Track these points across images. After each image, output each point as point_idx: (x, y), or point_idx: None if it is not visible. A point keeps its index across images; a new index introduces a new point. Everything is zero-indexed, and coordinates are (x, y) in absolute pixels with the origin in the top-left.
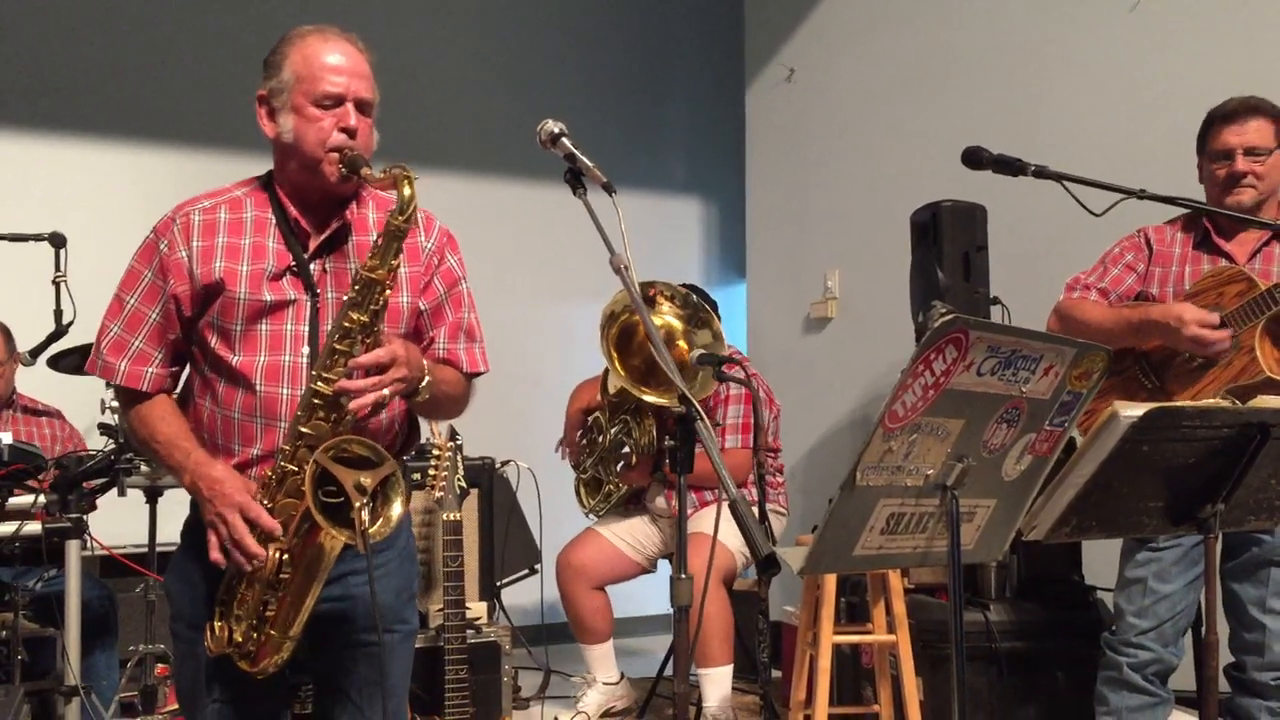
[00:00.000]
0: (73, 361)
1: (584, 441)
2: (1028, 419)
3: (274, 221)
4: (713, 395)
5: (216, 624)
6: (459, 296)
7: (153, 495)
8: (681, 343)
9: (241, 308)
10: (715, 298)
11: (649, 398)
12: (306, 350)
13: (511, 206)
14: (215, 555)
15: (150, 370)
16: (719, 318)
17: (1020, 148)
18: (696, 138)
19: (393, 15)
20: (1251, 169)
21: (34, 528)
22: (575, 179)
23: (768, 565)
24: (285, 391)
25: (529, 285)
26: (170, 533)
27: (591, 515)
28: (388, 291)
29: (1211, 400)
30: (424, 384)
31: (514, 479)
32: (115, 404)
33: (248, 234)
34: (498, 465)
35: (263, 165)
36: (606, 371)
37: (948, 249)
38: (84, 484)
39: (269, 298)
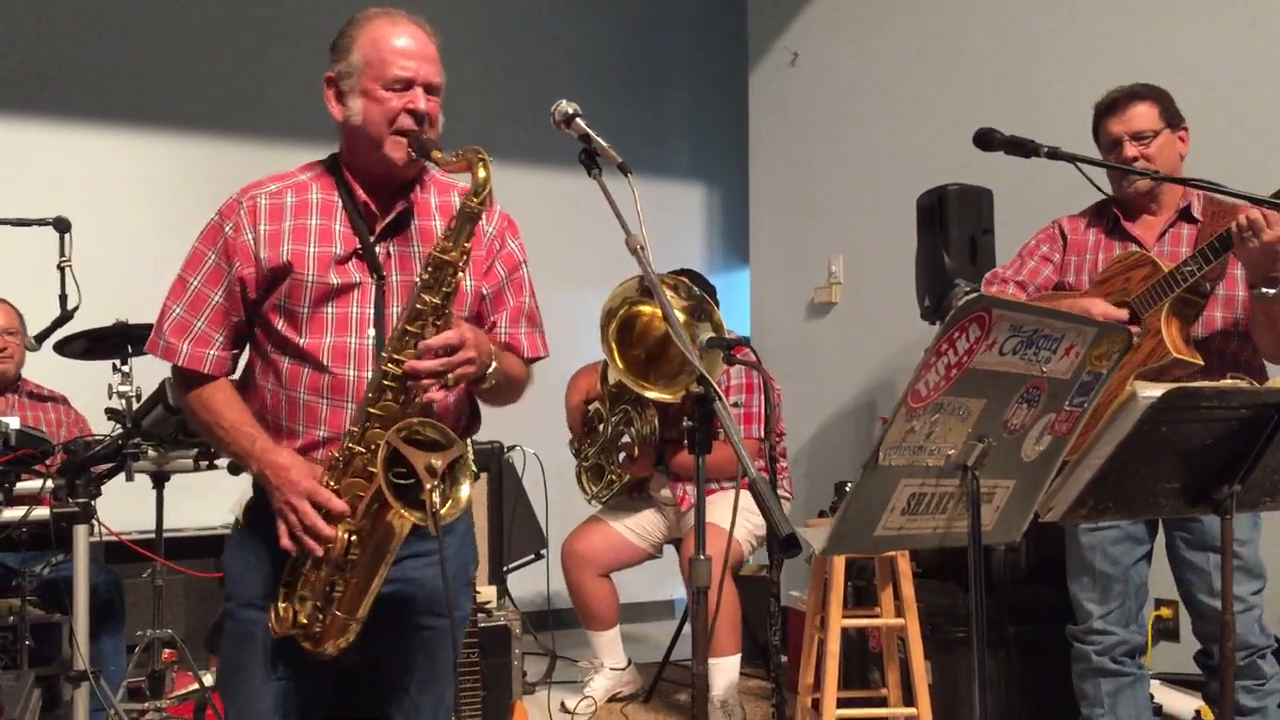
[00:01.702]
0: (79, 346)
1: (585, 431)
2: (1048, 399)
3: (340, 204)
4: (717, 384)
5: (281, 605)
6: (520, 281)
7: (159, 480)
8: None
9: (309, 290)
10: (718, 283)
11: (650, 393)
12: (372, 333)
13: (518, 192)
14: (286, 543)
15: (212, 353)
16: (718, 304)
17: (1026, 131)
18: (700, 123)
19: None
20: (1140, 153)
21: (41, 513)
22: (590, 160)
23: (788, 545)
24: (352, 373)
25: (538, 271)
26: (177, 518)
27: (594, 502)
28: (460, 274)
29: (1231, 381)
30: (492, 369)
31: (520, 465)
32: (124, 389)
33: (314, 216)
34: (505, 450)
35: (268, 151)
36: (605, 361)
37: (954, 233)
38: (91, 469)
39: (336, 281)
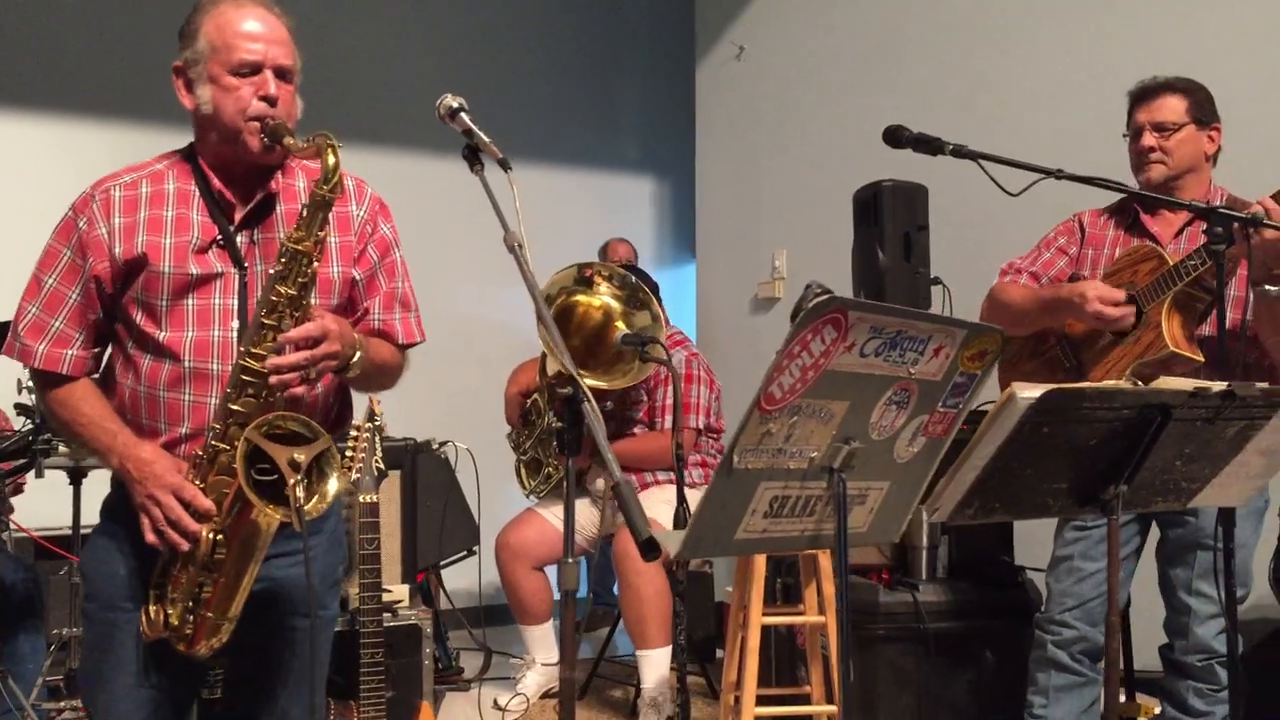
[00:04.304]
0: None
1: (523, 424)
2: (919, 401)
3: (197, 194)
4: (653, 376)
5: (152, 608)
6: (393, 265)
7: (76, 476)
8: (620, 323)
9: (167, 282)
10: (667, 276)
11: (590, 383)
12: (236, 324)
13: (461, 185)
14: (151, 538)
15: (70, 353)
16: (659, 300)
17: (968, 127)
18: (649, 115)
19: None
20: (1158, 144)
21: None
22: (473, 155)
23: (648, 549)
24: (215, 367)
25: (476, 265)
26: (95, 515)
27: (532, 497)
28: (315, 264)
29: (1112, 381)
30: (356, 359)
31: (453, 459)
32: (31, 384)
33: (170, 206)
34: (436, 445)
35: (176, 137)
36: (544, 354)
37: (889, 228)
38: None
39: (195, 271)
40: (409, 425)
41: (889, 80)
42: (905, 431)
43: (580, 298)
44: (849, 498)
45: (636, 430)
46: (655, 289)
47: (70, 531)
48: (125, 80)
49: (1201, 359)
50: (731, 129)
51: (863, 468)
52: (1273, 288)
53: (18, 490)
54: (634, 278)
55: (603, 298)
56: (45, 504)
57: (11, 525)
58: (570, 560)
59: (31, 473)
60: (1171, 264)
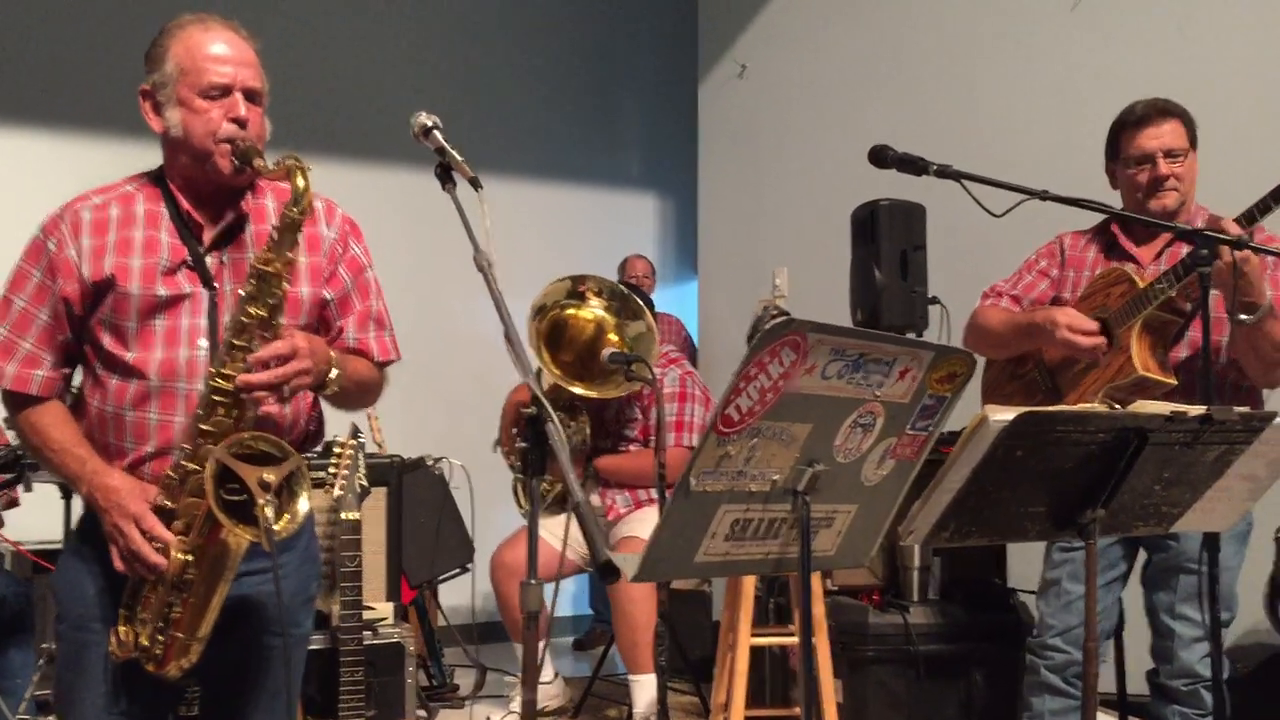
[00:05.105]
0: None
1: (518, 438)
2: (886, 423)
3: (166, 215)
4: (648, 393)
5: (122, 628)
6: (365, 284)
7: (67, 491)
8: (613, 335)
9: (135, 303)
10: (669, 294)
11: (579, 390)
12: (204, 343)
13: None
14: (119, 565)
15: (40, 373)
16: (654, 314)
17: (967, 146)
18: (652, 134)
19: (346, 12)
20: (1173, 171)
21: None
22: (445, 173)
23: (606, 572)
24: (182, 385)
25: (474, 282)
26: None
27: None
28: (285, 285)
29: (1090, 405)
30: (332, 376)
31: (449, 476)
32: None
33: (139, 228)
34: (431, 462)
35: None
36: (539, 369)
37: (885, 247)
38: None
39: (163, 292)
40: (407, 442)
41: (890, 99)
42: (873, 454)
43: (572, 311)
44: (815, 520)
45: (631, 448)
46: (650, 305)
47: (61, 546)
48: (124, 94)
49: (1173, 382)
50: (733, 147)
51: (829, 490)
52: (1246, 316)
53: (12, 504)
54: (625, 289)
55: (595, 311)
56: (37, 518)
57: (2, 541)
58: (534, 581)
59: (20, 486)
60: (1142, 286)
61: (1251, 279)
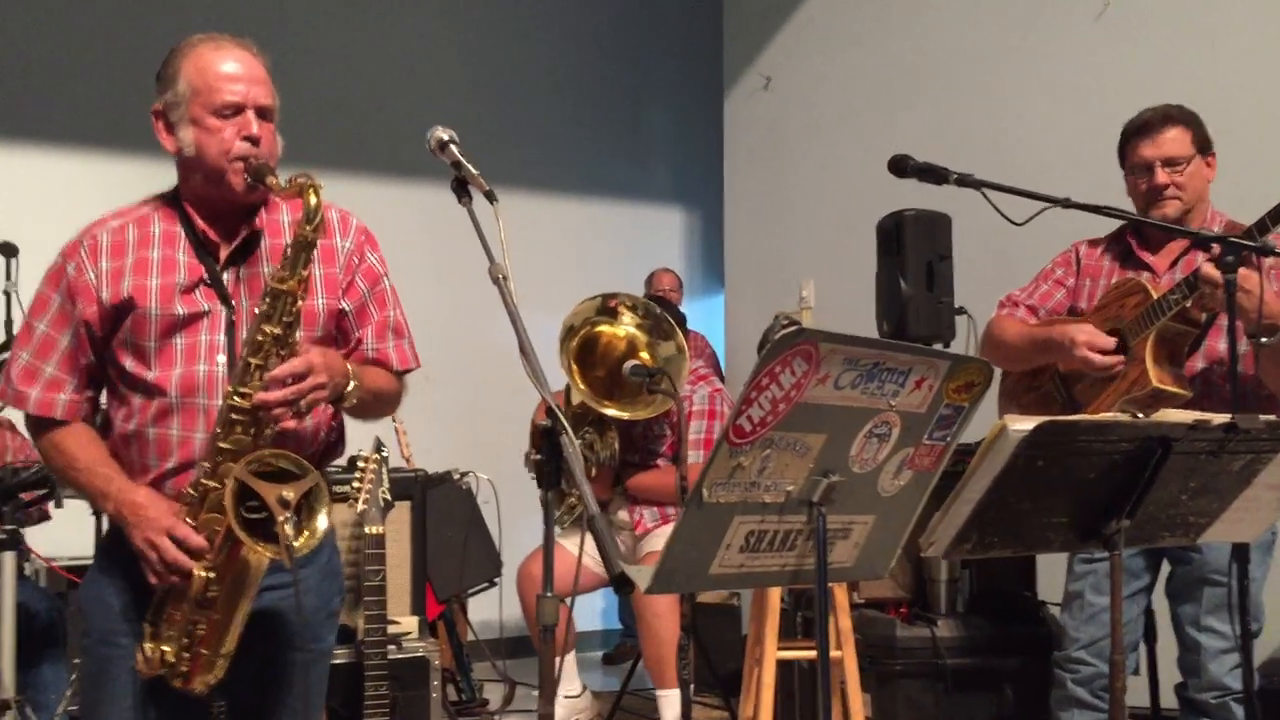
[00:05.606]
0: None
1: (534, 451)
2: (902, 433)
3: (183, 234)
4: (676, 411)
5: (148, 645)
6: (383, 294)
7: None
8: (645, 354)
9: (154, 323)
10: (697, 307)
11: (610, 411)
12: (223, 359)
13: (487, 215)
14: (153, 579)
15: (63, 397)
16: (685, 332)
17: (993, 157)
18: (679, 146)
19: (370, 23)
20: (1172, 180)
21: None
22: (461, 187)
23: (620, 584)
24: (202, 401)
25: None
26: None
27: (556, 527)
28: (300, 302)
29: (1110, 414)
30: (350, 388)
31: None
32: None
33: (156, 248)
34: (458, 476)
35: None
36: (568, 384)
37: (911, 258)
38: (20, 495)
39: (182, 311)
40: (434, 455)
41: (915, 110)
42: (890, 464)
43: (604, 328)
44: (832, 532)
45: (660, 463)
46: (682, 321)
47: (92, 561)
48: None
49: (1189, 394)
50: (759, 159)
51: (845, 501)
52: (1265, 338)
53: (43, 518)
54: (659, 309)
55: (626, 328)
56: (68, 534)
57: (34, 557)
58: (550, 594)
59: (51, 502)
60: (1156, 297)
61: (1247, 303)
